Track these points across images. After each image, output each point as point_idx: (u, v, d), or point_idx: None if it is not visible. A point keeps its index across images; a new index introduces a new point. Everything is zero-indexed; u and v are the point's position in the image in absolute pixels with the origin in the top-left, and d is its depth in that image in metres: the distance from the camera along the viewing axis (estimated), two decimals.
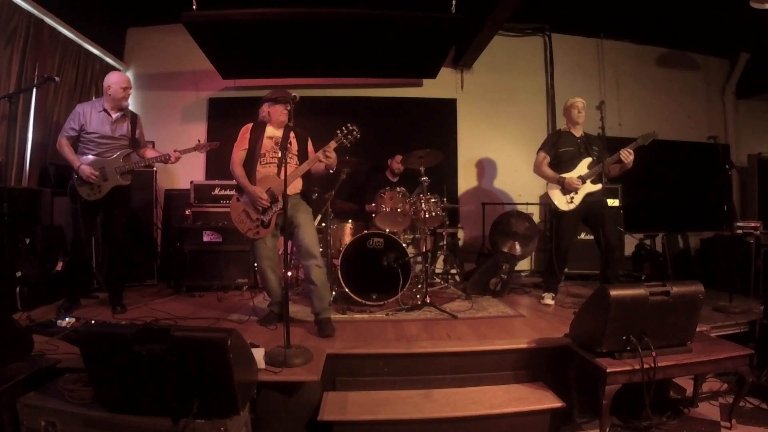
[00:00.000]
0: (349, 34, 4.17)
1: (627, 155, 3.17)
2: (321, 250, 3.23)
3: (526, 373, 2.41)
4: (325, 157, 2.74)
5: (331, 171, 2.91)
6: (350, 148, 2.86)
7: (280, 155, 2.74)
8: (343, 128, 2.75)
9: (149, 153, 3.23)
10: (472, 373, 2.39)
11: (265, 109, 2.88)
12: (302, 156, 2.87)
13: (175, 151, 3.10)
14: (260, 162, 2.81)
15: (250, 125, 2.90)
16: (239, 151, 2.84)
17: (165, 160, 3.10)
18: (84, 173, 2.89)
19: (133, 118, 3.17)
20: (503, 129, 5.45)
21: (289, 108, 2.72)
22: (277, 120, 2.85)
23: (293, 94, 2.60)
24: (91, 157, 2.97)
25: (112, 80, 3.03)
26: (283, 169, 2.37)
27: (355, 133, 2.74)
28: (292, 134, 2.84)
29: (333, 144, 2.75)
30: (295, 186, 2.82)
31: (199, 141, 3.24)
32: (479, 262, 4.39)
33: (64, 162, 3.07)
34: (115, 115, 3.04)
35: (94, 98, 4.42)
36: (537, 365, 2.42)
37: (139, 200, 4.17)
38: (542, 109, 5.51)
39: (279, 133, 2.86)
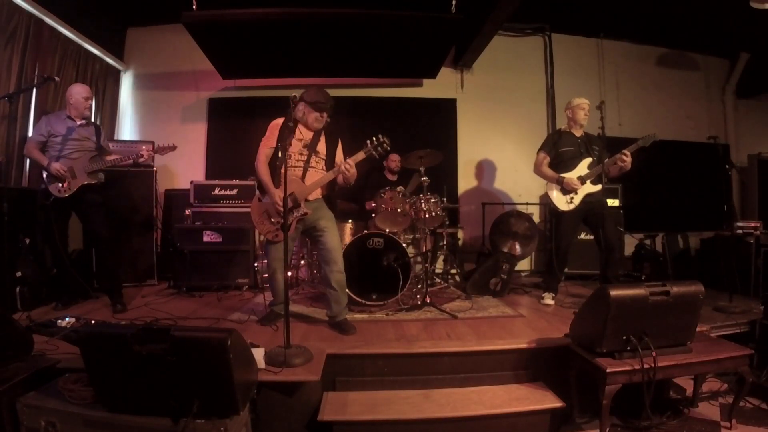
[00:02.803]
0: (349, 34, 4.16)
1: (625, 158, 3.16)
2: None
3: (526, 373, 2.41)
4: (344, 170, 2.61)
5: (348, 185, 2.76)
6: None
7: (306, 158, 2.69)
8: (374, 139, 2.64)
9: (112, 157, 3.29)
10: (472, 373, 2.39)
11: (300, 108, 2.71)
12: (330, 161, 2.77)
13: (147, 150, 3.24)
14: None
15: (280, 120, 2.70)
16: (266, 149, 2.70)
17: (135, 159, 3.21)
18: (54, 168, 2.98)
19: (97, 128, 3.28)
20: (503, 129, 5.45)
21: (324, 116, 2.70)
22: (312, 124, 2.72)
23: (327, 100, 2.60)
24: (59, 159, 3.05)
25: (74, 91, 3.19)
26: (284, 171, 2.30)
27: (385, 145, 2.64)
28: (322, 136, 2.77)
29: (361, 155, 2.64)
30: (317, 191, 2.74)
31: (156, 144, 3.32)
32: (479, 262, 4.39)
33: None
34: (79, 122, 3.17)
35: (93, 98, 4.44)
36: (537, 365, 2.42)
37: (139, 200, 4.18)
38: (542, 109, 5.51)
39: (309, 135, 2.74)
